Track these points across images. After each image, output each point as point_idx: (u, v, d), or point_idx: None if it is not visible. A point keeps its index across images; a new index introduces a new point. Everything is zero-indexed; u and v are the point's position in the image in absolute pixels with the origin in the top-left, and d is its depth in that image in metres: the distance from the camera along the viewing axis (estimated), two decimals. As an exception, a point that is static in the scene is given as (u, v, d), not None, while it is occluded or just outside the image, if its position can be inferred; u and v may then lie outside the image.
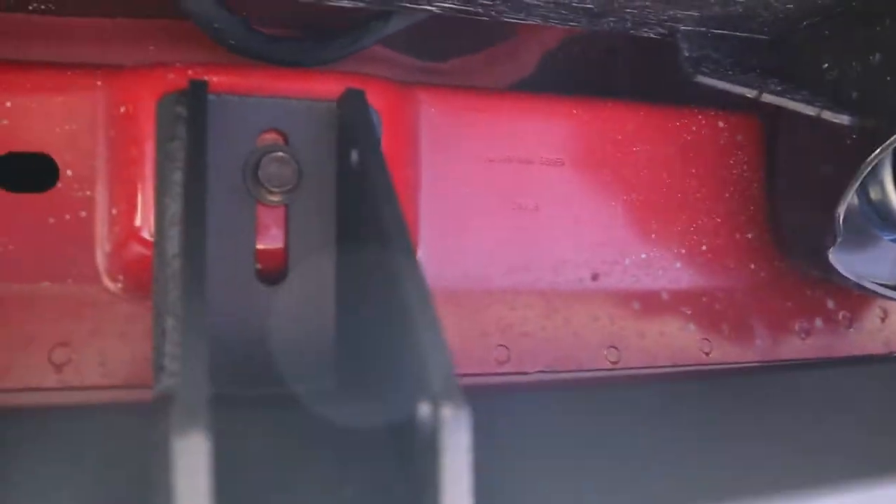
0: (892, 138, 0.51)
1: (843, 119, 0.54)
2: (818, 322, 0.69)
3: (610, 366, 0.60)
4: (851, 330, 0.71)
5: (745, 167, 0.68)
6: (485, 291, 0.58)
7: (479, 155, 0.59)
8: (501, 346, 0.58)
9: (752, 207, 0.68)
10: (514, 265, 0.59)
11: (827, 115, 0.54)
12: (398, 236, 0.39)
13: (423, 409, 0.31)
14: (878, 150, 0.52)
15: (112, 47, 0.68)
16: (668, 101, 0.68)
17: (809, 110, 0.55)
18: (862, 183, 0.64)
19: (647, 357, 0.62)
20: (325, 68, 0.60)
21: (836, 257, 0.61)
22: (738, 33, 0.61)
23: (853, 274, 0.61)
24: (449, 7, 0.57)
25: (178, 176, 0.48)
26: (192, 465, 0.27)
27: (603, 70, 0.84)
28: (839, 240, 0.57)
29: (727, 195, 0.67)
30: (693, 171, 0.66)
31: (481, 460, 0.43)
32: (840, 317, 0.71)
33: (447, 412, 0.29)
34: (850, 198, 0.61)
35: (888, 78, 0.52)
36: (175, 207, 0.47)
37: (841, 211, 0.56)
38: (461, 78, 0.80)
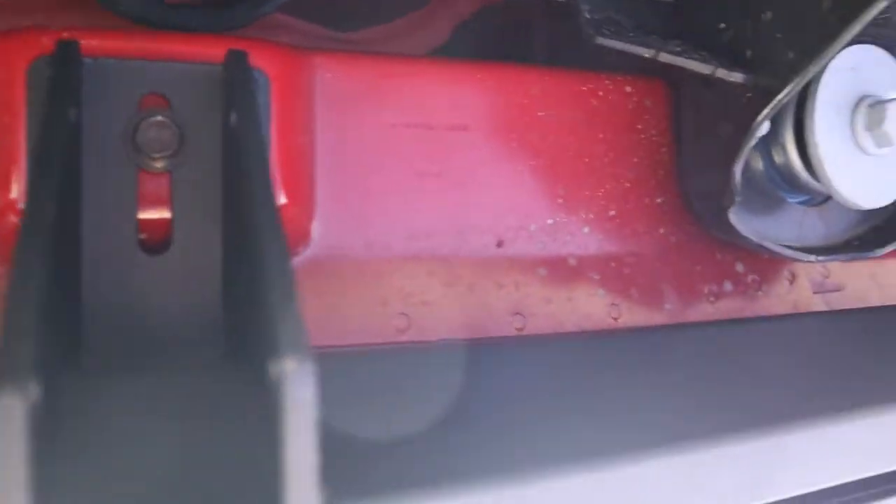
0: (782, 94, 0.52)
1: (738, 77, 0.54)
2: (728, 285, 0.70)
3: (515, 332, 0.60)
4: (760, 293, 0.71)
5: (653, 131, 0.67)
6: (385, 259, 0.57)
7: (379, 120, 0.58)
8: (402, 314, 0.57)
9: (661, 172, 0.68)
10: (415, 232, 0.58)
11: (721, 73, 0.54)
12: (262, 197, 0.37)
13: (272, 367, 0.29)
14: (769, 108, 0.52)
15: (-1, 16, 0.65)
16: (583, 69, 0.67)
17: (705, 69, 0.54)
18: (766, 146, 0.65)
19: (554, 323, 0.61)
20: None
21: (739, 219, 0.61)
22: (638, -5, 0.61)
23: (757, 235, 0.61)
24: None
25: (47, 143, 0.46)
26: (6, 426, 0.25)
27: (520, 40, 0.83)
28: (738, 199, 0.58)
29: (636, 160, 0.67)
30: (601, 135, 0.65)
31: (362, 423, 0.42)
32: (749, 280, 0.71)
33: (290, 366, 0.28)
34: (748, 157, 0.61)
35: (778, 35, 0.52)
36: (45, 175, 0.45)
37: (737, 169, 0.56)
38: (373, 47, 0.78)
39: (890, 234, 0.71)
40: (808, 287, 0.75)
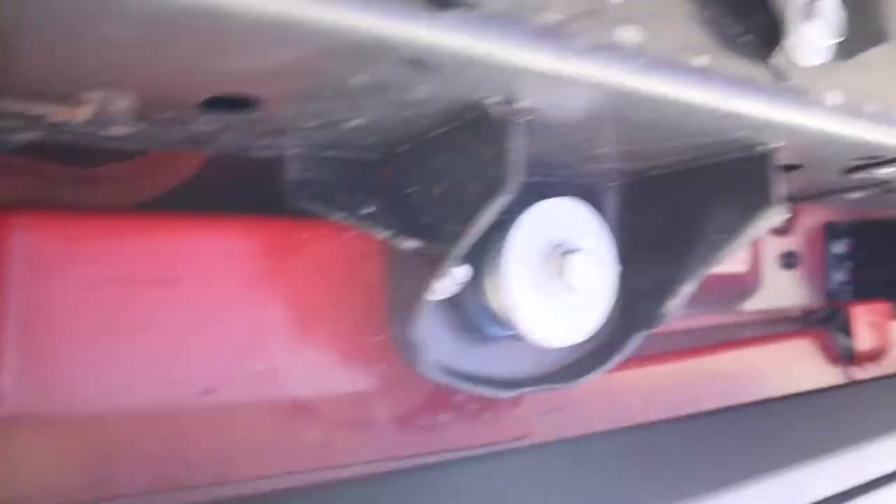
0: (447, 262, 0.57)
1: (411, 244, 0.59)
2: (447, 416, 0.74)
3: (221, 480, 0.61)
4: (481, 420, 0.76)
5: (372, 274, 0.72)
6: (81, 414, 0.58)
7: (80, 277, 0.59)
8: (101, 467, 0.57)
9: (381, 311, 0.72)
10: (115, 386, 0.59)
11: (398, 240, 0.59)
12: None
13: None
14: (437, 275, 0.58)
15: None
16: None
17: (384, 234, 0.59)
18: (474, 287, 0.71)
19: (264, 467, 0.63)
20: None
21: (442, 358, 0.67)
22: (346, 155, 0.66)
23: (453, 372, 0.67)
24: (42, 138, 0.57)
25: None
26: None
27: (267, 179, 0.86)
28: (424, 349, 0.63)
29: (356, 302, 0.71)
30: (320, 279, 0.69)
31: None
32: (471, 408, 0.76)
33: None
34: (462, 294, 0.66)
35: (444, 207, 0.58)
36: None
37: (414, 329, 0.61)
38: (118, 184, 0.79)
39: (597, 361, 0.79)
40: (532, 409, 0.81)
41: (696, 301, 1.26)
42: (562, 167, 0.78)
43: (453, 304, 0.72)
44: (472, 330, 0.73)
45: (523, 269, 0.68)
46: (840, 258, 1.44)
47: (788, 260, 1.36)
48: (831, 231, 1.44)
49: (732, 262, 1.29)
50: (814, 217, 1.42)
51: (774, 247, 1.35)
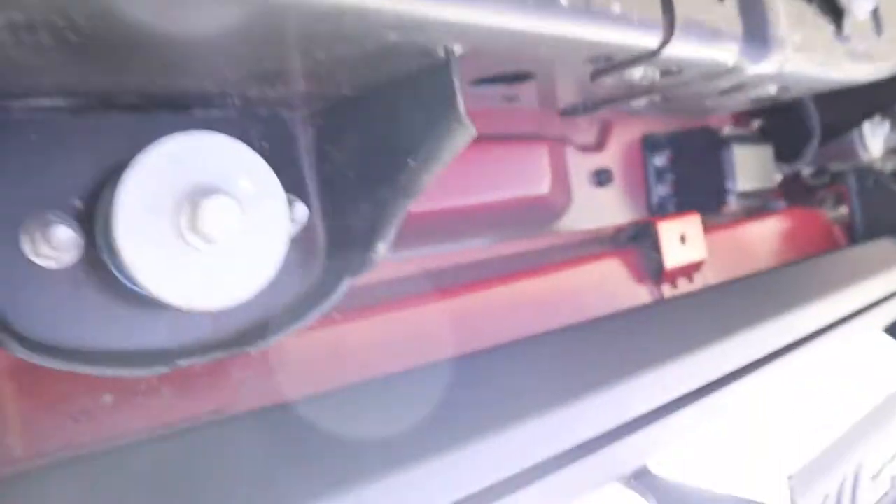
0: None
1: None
2: (108, 398, 0.64)
3: None
4: (157, 398, 0.66)
5: None
6: None
7: None
8: None
9: None
10: None
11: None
12: None
13: None
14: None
15: None
16: None
17: None
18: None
19: None
20: None
21: (65, 332, 0.56)
22: None
23: (58, 353, 0.56)
24: None
25: None
26: None
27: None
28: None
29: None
30: None
31: None
32: (145, 386, 0.66)
33: None
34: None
35: None
36: None
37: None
38: None
39: (296, 315, 0.69)
40: (234, 377, 0.71)
41: (502, 226, 1.18)
42: (229, 96, 0.67)
43: (97, 267, 0.61)
44: (128, 295, 0.62)
45: (145, 220, 0.56)
46: (661, 171, 1.37)
47: (601, 177, 1.28)
48: (650, 143, 1.36)
49: (536, 182, 1.20)
50: (630, 131, 1.34)
51: (586, 164, 1.27)
